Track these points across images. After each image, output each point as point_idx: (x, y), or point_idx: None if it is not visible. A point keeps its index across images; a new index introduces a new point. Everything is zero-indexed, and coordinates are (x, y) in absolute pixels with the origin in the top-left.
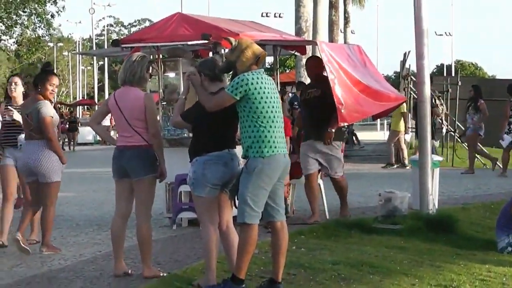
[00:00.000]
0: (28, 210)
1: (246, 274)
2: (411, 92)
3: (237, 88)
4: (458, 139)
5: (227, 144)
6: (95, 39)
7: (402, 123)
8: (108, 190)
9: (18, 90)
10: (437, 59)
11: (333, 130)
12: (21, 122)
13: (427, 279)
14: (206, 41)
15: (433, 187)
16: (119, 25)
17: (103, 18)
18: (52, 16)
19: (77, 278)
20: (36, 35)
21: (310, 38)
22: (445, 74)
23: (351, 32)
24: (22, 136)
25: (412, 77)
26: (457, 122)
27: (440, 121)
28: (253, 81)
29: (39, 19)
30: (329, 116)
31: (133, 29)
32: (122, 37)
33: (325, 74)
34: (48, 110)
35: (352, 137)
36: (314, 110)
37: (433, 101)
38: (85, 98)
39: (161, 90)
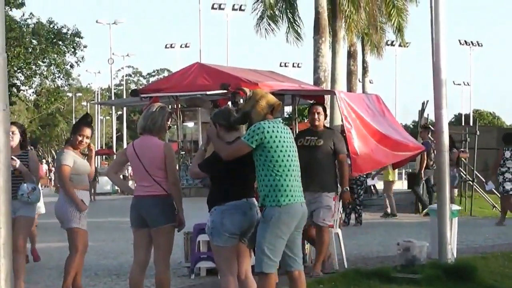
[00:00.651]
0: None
1: None
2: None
3: (253, 136)
4: (477, 189)
5: (245, 193)
6: (114, 89)
7: (392, 172)
8: (126, 240)
9: (15, 139)
10: (455, 108)
11: (348, 189)
12: (23, 172)
13: None
14: (225, 91)
15: (451, 236)
16: (138, 75)
17: (122, 68)
18: (71, 66)
19: None
20: (55, 85)
21: (329, 88)
22: (463, 123)
23: (369, 82)
24: (24, 186)
25: (431, 126)
26: (475, 172)
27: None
28: (269, 129)
29: (58, 69)
30: (328, 169)
31: (152, 79)
32: (141, 87)
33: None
34: (65, 158)
35: (370, 187)
36: (312, 159)
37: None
38: (104, 148)
39: (179, 140)
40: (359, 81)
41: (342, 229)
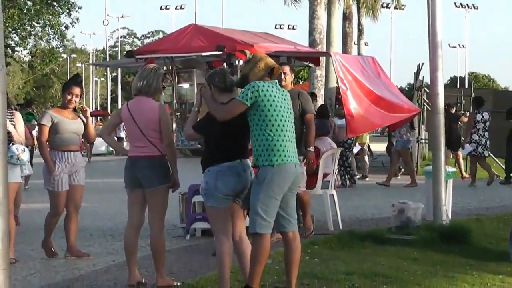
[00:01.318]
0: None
1: (260, 284)
2: (424, 103)
3: (247, 94)
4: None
5: (239, 154)
6: (109, 51)
7: (364, 135)
8: (121, 201)
9: None
10: (450, 71)
11: (313, 149)
12: (12, 132)
13: None
14: (220, 52)
15: (446, 198)
16: (133, 36)
17: (117, 29)
18: (66, 27)
19: None
20: (50, 46)
21: (324, 50)
22: (458, 86)
23: (365, 44)
24: (13, 147)
25: (426, 88)
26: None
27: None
28: (264, 89)
29: (53, 30)
30: (300, 133)
31: (147, 41)
32: (136, 49)
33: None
34: (42, 117)
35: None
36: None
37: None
38: (98, 109)
39: (175, 101)
40: (355, 44)
41: (337, 191)
